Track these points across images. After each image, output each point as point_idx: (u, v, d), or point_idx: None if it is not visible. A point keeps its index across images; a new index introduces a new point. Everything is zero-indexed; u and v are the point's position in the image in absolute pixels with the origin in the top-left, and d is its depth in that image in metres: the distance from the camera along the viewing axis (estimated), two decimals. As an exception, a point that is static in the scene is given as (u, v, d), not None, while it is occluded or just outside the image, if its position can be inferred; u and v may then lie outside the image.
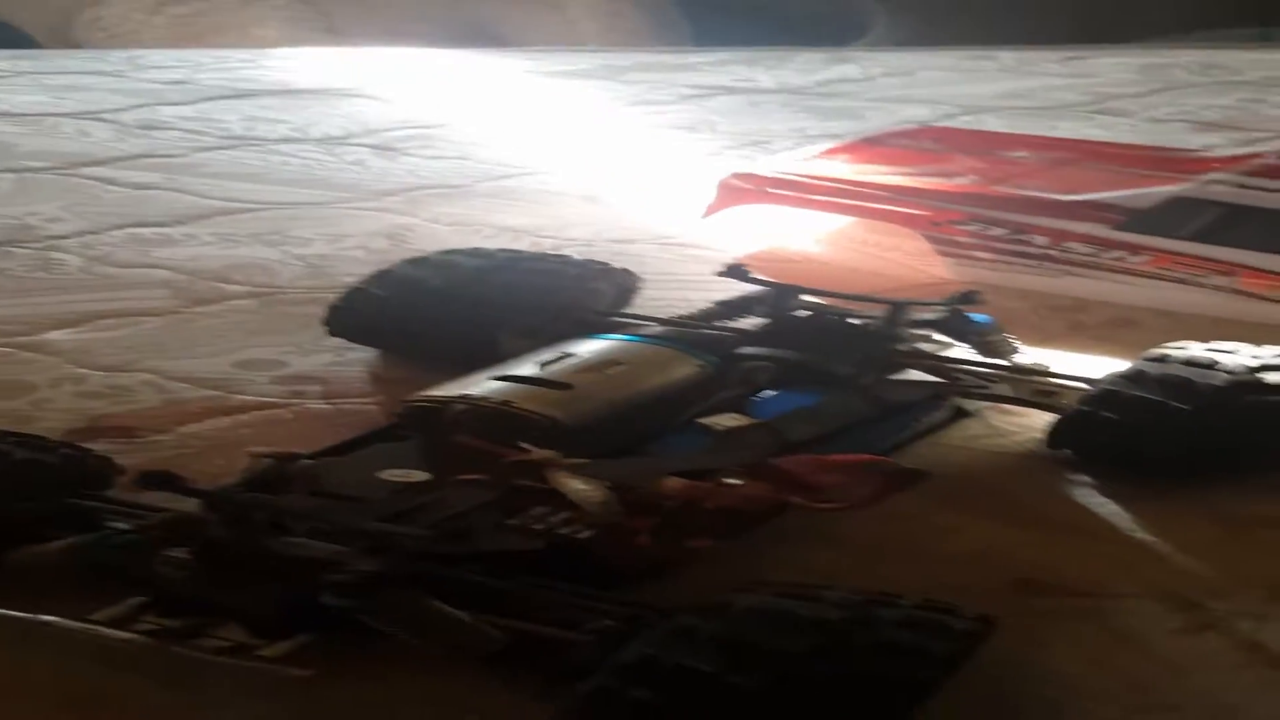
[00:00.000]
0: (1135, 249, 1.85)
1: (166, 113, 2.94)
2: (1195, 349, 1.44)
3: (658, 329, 1.56)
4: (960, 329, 1.55)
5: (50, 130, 2.80)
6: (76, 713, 1.01)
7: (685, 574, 1.13)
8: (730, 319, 1.59)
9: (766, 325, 1.56)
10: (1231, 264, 1.79)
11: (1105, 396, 1.39)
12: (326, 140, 2.77)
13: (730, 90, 3.32)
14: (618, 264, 1.77)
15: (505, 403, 1.31)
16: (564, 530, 1.11)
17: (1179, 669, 1.08)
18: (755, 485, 1.17)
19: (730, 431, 1.32)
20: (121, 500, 1.18)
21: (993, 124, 2.93)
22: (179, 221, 2.21)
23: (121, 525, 1.12)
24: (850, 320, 1.54)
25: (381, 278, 1.70)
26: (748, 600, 0.98)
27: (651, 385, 1.40)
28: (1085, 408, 1.40)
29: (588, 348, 1.44)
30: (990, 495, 1.34)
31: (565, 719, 0.92)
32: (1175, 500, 1.31)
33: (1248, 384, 1.38)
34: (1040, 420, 1.44)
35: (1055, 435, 1.40)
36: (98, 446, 1.28)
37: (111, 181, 2.44)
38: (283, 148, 2.71)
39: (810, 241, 2.07)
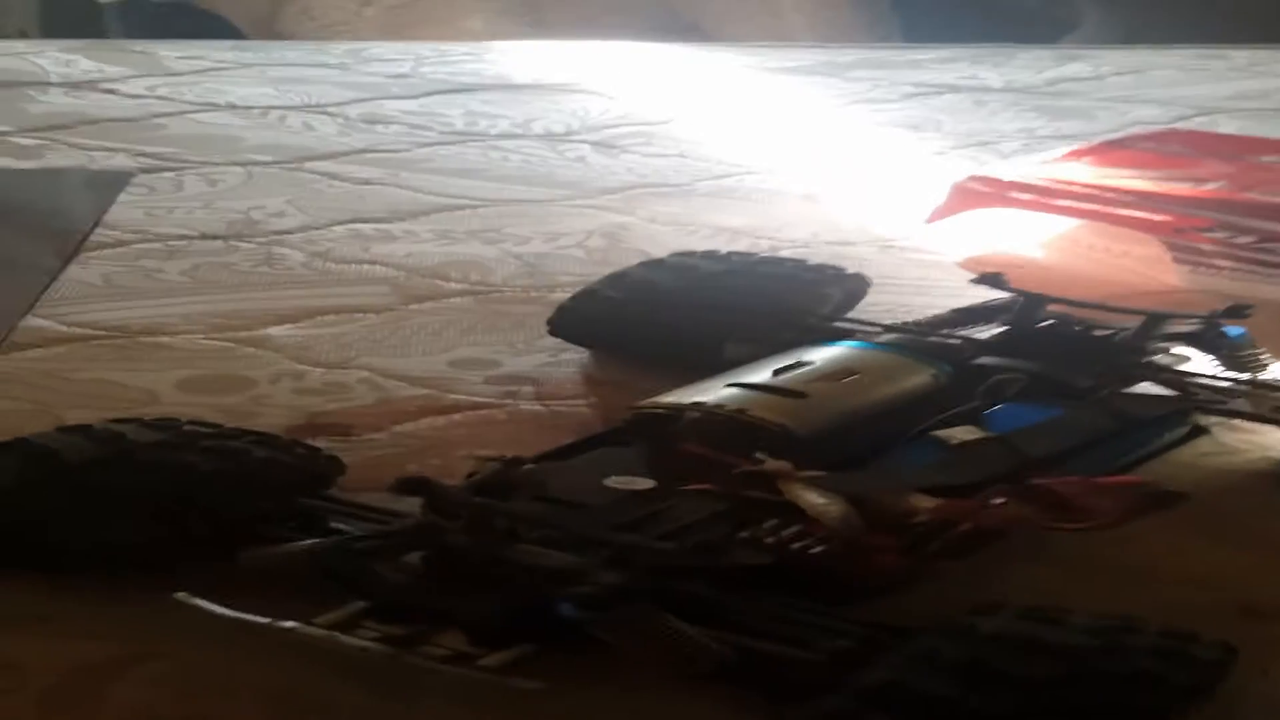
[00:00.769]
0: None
1: (390, 107, 2.96)
2: None
3: (890, 336, 1.51)
4: (1213, 342, 1.49)
5: (275, 124, 2.83)
6: (289, 718, 1.00)
7: (915, 593, 1.09)
8: (968, 326, 1.54)
9: (1006, 334, 1.51)
10: None
11: None
12: (548, 136, 2.77)
13: (955, 89, 3.25)
14: (840, 268, 1.73)
15: (739, 411, 1.27)
16: (796, 545, 1.08)
17: None
18: (1019, 506, 1.12)
19: (965, 445, 1.28)
20: (348, 501, 1.17)
21: (1227, 126, 2.83)
22: (399, 218, 2.22)
23: (351, 528, 1.11)
24: (1095, 331, 1.49)
25: (614, 280, 1.69)
26: (992, 623, 0.94)
27: (886, 395, 1.35)
28: None
29: (822, 354, 1.40)
30: (1218, 516, 1.28)
31: None
32: None
33: None
34: (1277, 439, 1.38)
35: None
36: (319, 444, 1.28)
37: (335, 176, 2.45)
38: (504, 143, 2.71)
39: (1036, 246, 2.02)
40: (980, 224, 2.06)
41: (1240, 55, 3.62)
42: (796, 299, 1.63)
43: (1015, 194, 2.05)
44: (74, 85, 3.11)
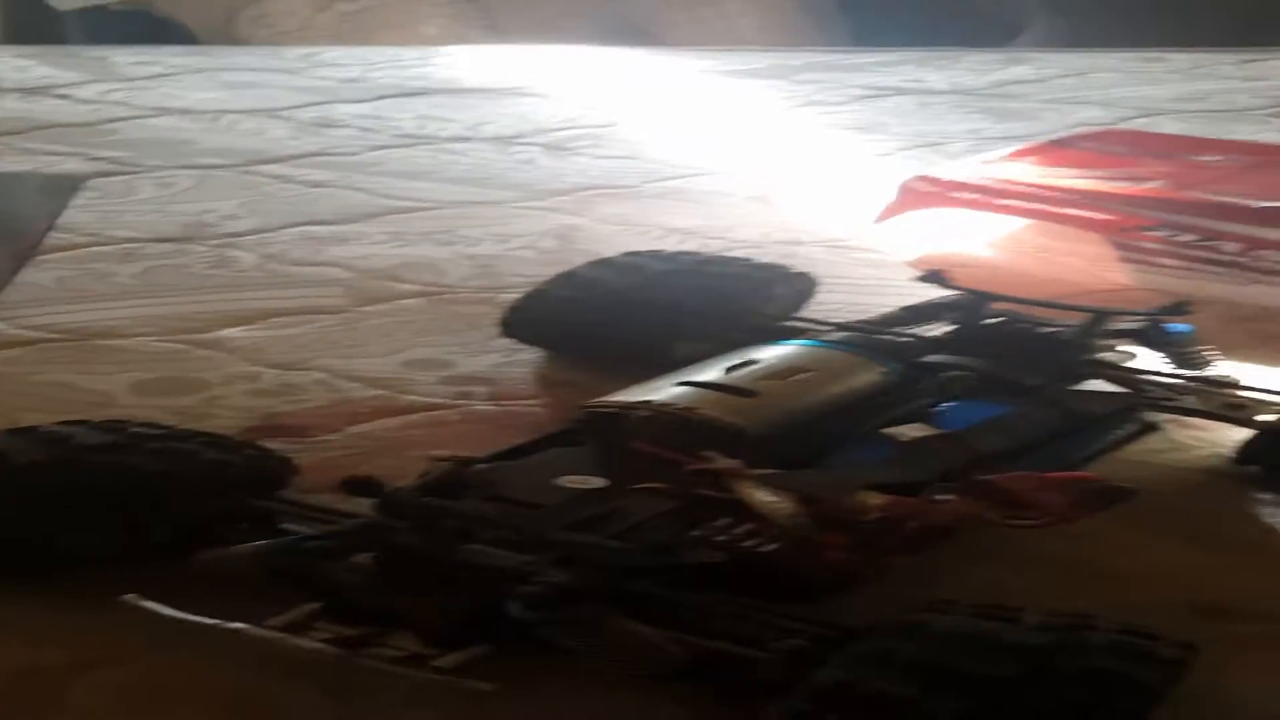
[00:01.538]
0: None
1: (341, 110, 2.96)
2: None
3: (840, 334, 1.53)
4: (1159, 339, 1.51)
5: (228, 128, 2.83)
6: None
7: (869, 592, 1.09)
8: (915, 325, 1.55)
9: (954, 332, 1.52)
10: None
11: None
12: (498, 139, 2.77)
13: (902, 91, 3.27)
14: (787, 267, 1.74)
15: (689, 409, 1.28)
16: (748, 543, 1.08)
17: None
18: (969, 503, 1.12)
19: (916, 442, 1.28)
20: (299, 502, 1.17)
21: (1169, 127, 2.86)
22: (351, 220, 2.22)
23: (303, 529, 1.11)
24: (1042, 329, 1.50)
25: (564, 280, 1.69)
26: (945, 622, 0.94)
27: (836, 393, 1.36)
28: (1276, 424, 1.35)
29: (772, 353, 1.41)
30: (1170, 513, 1.29)
31: None
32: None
33: None
34: (1225, 435, 1.39)
35: (1245, 451, 1.35)
36: (273, 446, 1.28)
37: (287, 179, 2.46)
38: (454, 146, 2.71)
39: (984, 245, 2.03)
40: (928, 223, 2.07)
41: (1181, 58, 3.66)
42: (745, 298, 1.64)
43: (960, 193, 2.07)
44: (28, 91, 3.10)
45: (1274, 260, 1.82)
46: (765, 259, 1.81)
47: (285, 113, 2.94)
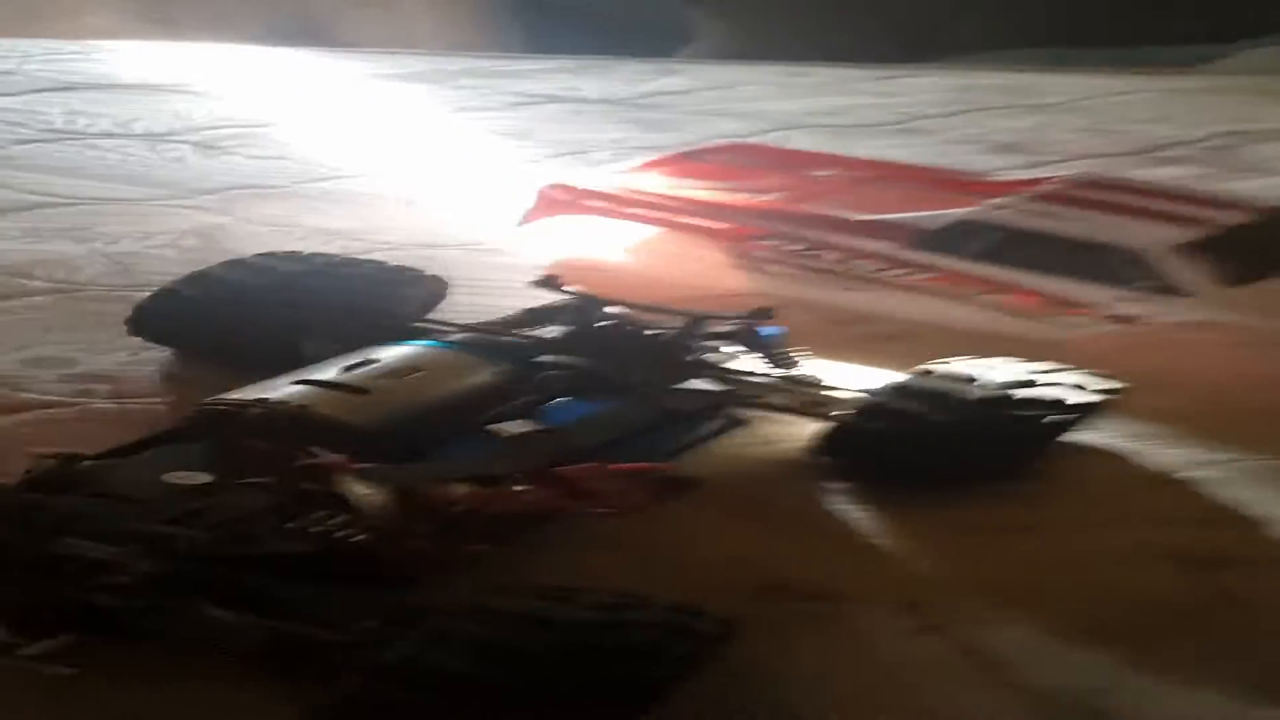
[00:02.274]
0: (920, 267, 1.93)
1: (-12, 104, 2.92)
2: (960, 365, 1.52)
3: (461, 335, 1.60)
4: (753, 341, 1.62)
5: None
6: None
7: (462, 577, 1.16)
8: (535, 326, 1.64)
9: (567, 334, 1.61)
10: (1005, 284, 1.88)
11: (867, 408, 1.47)
12: (148, 136, 2.77)
13: (556, 99, 3.36)
14: (428, 269, 1.81)
15: (302, 407, 1.34)
16: (341, 534, 1.14)
17: (901, 672, 1.14)
18: (537, 492, 1.21)
19: (515, 438, 1.37)
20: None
21: (801, 141, 2.99)
22: (-12, 215, 2.21)
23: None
24: (647, 331, 1.60)
25: (194, 280, 1.73)
26: (505, 603, 1.03)
27: (448, 391, 1.44)
28: (849, 418, 1.47)
29: (391, 353, 1.48)
30: (749, 501, 1.40)
31: (315, 718, 0.96)
32: (919, 507, 1.38)
33: (998, 400, 1.47)
34: (808, 430, 1.50)
35: (820, 443, 1.47)
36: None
37: (-78, 175, 2.43)
38: (103, 142, 2.71)
39: (617, 252, 2.12)
40: (570, 229, 2.15)
41: (824, 73, 3.82)
42: (375, 299, 1.70)
43: (590, 201, 2.16)
44: None
45: (866, 269, 1.96)
46: (404, 261, 1.87)
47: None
